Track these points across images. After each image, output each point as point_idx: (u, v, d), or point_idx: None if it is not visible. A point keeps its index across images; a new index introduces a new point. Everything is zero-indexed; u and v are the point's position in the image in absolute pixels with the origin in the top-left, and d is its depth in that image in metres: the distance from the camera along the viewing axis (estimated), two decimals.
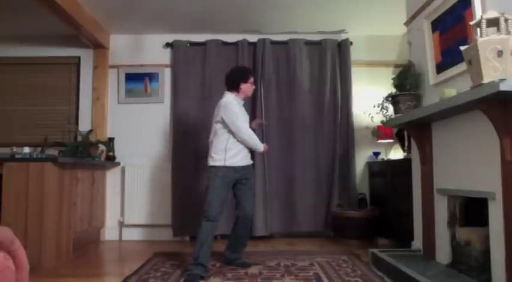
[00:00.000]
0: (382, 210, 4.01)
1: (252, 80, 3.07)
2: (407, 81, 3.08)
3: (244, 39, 4.42)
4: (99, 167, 4.20)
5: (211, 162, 2.92)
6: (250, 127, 3.08)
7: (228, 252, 3.11)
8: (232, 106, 2.90)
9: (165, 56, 4.52)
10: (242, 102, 3.10)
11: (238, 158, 2.93)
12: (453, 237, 2.62)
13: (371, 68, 4.49)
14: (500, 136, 2.05)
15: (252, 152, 3.15)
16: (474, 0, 2.37)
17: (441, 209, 2.74)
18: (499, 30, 1.99)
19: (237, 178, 2.95)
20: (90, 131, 4.19)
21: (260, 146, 3.01)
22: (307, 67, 4.45)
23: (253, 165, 3.21)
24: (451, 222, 2.64)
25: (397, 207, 3.67)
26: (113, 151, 4.33)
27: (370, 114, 3.85)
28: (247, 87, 3.04)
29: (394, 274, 2.57)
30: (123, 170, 4.37)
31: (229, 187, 2.92)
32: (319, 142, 4.36)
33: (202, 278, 2.70)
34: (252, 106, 4.34)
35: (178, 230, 4.20)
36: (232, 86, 3.02)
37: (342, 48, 4.45)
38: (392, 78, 3.26)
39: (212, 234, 2.82)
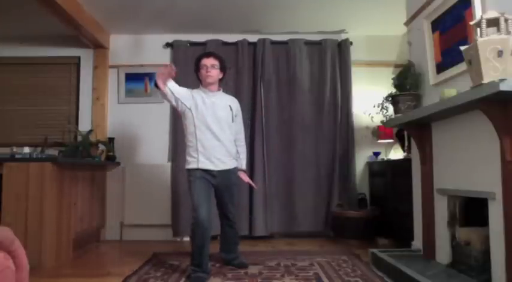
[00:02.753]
0: (382, 210, 4.01)
1: (200, 63, 2.87)
2: (407, 81, 3.08)
3: (244, 39, 4.42)
4: (99, 167, 4.20)
5: (186, 165, 2.82)
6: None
7: (223, 254, 3.10)
8: None
9: (165, 56, 4.52)
10: (213, 93, 2.88)
11: (213, 159, 2.76)
12: (453, 237, 2.62)
13: (371, 68, 4.48)
14: (500, 136, 2.05)
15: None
16: (474, 0, 2.38)
17: (441, 209, 2.74)
18: (499, 30, 1.99)
19: (216, 184, 2.81)
20: (90, 131, 4.19)
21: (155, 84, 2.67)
22: (307, 67, 4.45)
23: (242, 170, 3.08)
24: (451, 222, 2.64)
25: (397, 207, 3.67)
26: (113, 151, 4.32)
27: (370, 114, 3.84)
28: (200, 74, 2.89)
29: (394, 274, 2.57)
30: (123, 170, 4.37)
31: (209, 187, 2.78)
32: (319, 142, 4.36)
33: (204, 280, 2.69)
34: (252, 106, 4.35)
35: (178, 230, 4.20)
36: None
37: (342, 48, 4.45)
38: (392, 78, 3.26)
39: (208, 240, 2.73)
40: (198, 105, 2.81)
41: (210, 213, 2.73)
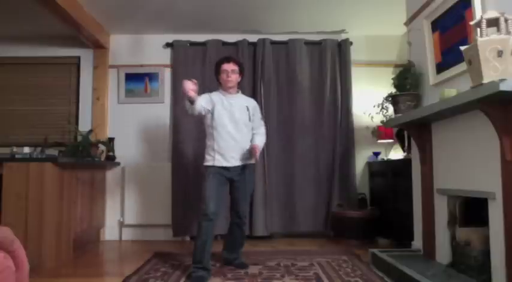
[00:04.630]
0: (382, 210, 4.01)
1: (222, 68, 2.96)
2: (407, 81, 3.08)
3: (244, 39, 4.42)
4: (99, 167, 4.20)
5: (204, 162, 2.95)
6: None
7: (225, 253, 3.12)
8: None
9: (165, 56, 4.52)
10: (231, 96, 2.98)
11: (228, 157, 2.87)
12: (453, 237, 2.62)
13: (371, 68, 4.48)
14: (500, 136, 2.06)
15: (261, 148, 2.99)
16: (474, 0, 2.38)
17: (441, 209, 2.74)
18: (499, 30, 1.99)
19: (230, 177, 2.91)
20: (90, 131, 4.18)
21: (187, 104, 2.78)
22: (307, 67, 4.45)
23: (253, 165, 3.09)
24: (451, 222, 2.64)
25: (397, 207, 3.67)
26: (113, 151, 4.32)
27: (370, 114, 3.85)
28: (221, 79, 2.99)
29: (394, 274, 2.57)
30: (123, 170, 4.37)
31: (223, 183, 2.88)
32: (319, 142, 4.36)
33: (205, 279, 2.71)
34: None
35: (178, 230, 4.20)
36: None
37: (342, 48, 4.45)
38: (392, 78, 3.26)
39: (212, 235, 2.79)
40: (217, 108, 2.93)
41: (219, 209, 2.82)
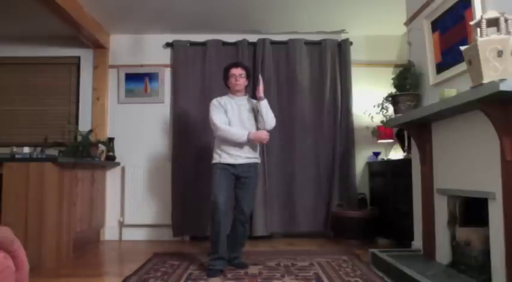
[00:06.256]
0: (382, 210, 4.01)
1: (230, 72, 3.08)
2: (407, 81, 3.08)
3: (244, 39, 4.42)
4: (99, 167, 4.20)
5: (212, 161, 3.06)
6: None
7: (227, 251, 3.12)
8: (210, 107, 3.07)
9: (165, 56, 4.52)
10: (239, 98, 3.11)
11: (234, 155, 2.98)
12: (453, 237, 2.62)
13: (371, 68, 4.48)
14: (500, 136, 2.06)
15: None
16: (474, 0, 2.38)
17: (441, 209, 2.74)
18: (499, 30, 1.99)
19: (237, 174, 2.99)
20: (90, 131, 4.18)
21: (242, 137, 2.93)
22: (307, 67, 4.45)
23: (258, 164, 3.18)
24: (451, 222, 2.64)
25: (397, 207, 3.67)
26: (113, 151, 4.32)
27: (370, 114, 3.85)
28: (229, 83, 3.11)
29: (394, 274, 2.57)
30: (123, 170, 4.37)
31: (230, 177, 2.97)
32: (319, 142, 4.36)
33: (221, 271, 2.81)
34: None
35: (178, 230, 4.20)
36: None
37: (342, 48, 4.45)
38: (392, 78, 3.26)
39: (224, 225, 2.88)
40: (228, 112, 3.05)
41: (229, 200, 2.94)
